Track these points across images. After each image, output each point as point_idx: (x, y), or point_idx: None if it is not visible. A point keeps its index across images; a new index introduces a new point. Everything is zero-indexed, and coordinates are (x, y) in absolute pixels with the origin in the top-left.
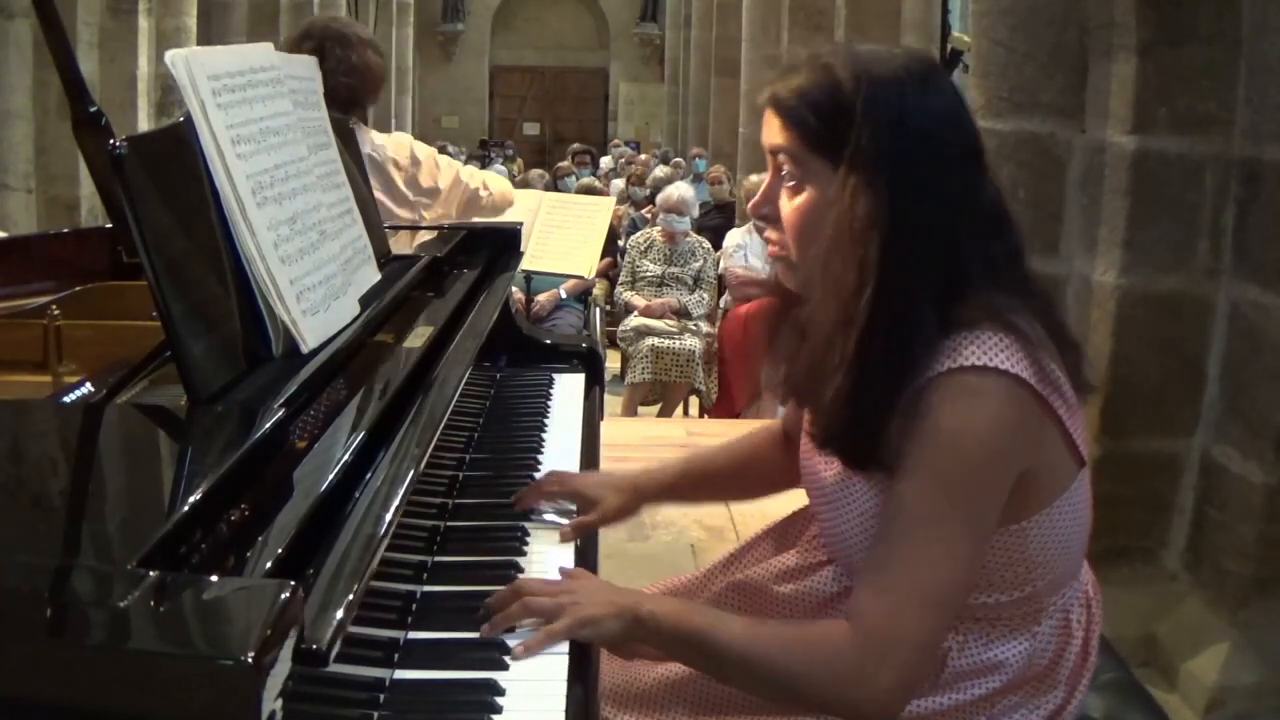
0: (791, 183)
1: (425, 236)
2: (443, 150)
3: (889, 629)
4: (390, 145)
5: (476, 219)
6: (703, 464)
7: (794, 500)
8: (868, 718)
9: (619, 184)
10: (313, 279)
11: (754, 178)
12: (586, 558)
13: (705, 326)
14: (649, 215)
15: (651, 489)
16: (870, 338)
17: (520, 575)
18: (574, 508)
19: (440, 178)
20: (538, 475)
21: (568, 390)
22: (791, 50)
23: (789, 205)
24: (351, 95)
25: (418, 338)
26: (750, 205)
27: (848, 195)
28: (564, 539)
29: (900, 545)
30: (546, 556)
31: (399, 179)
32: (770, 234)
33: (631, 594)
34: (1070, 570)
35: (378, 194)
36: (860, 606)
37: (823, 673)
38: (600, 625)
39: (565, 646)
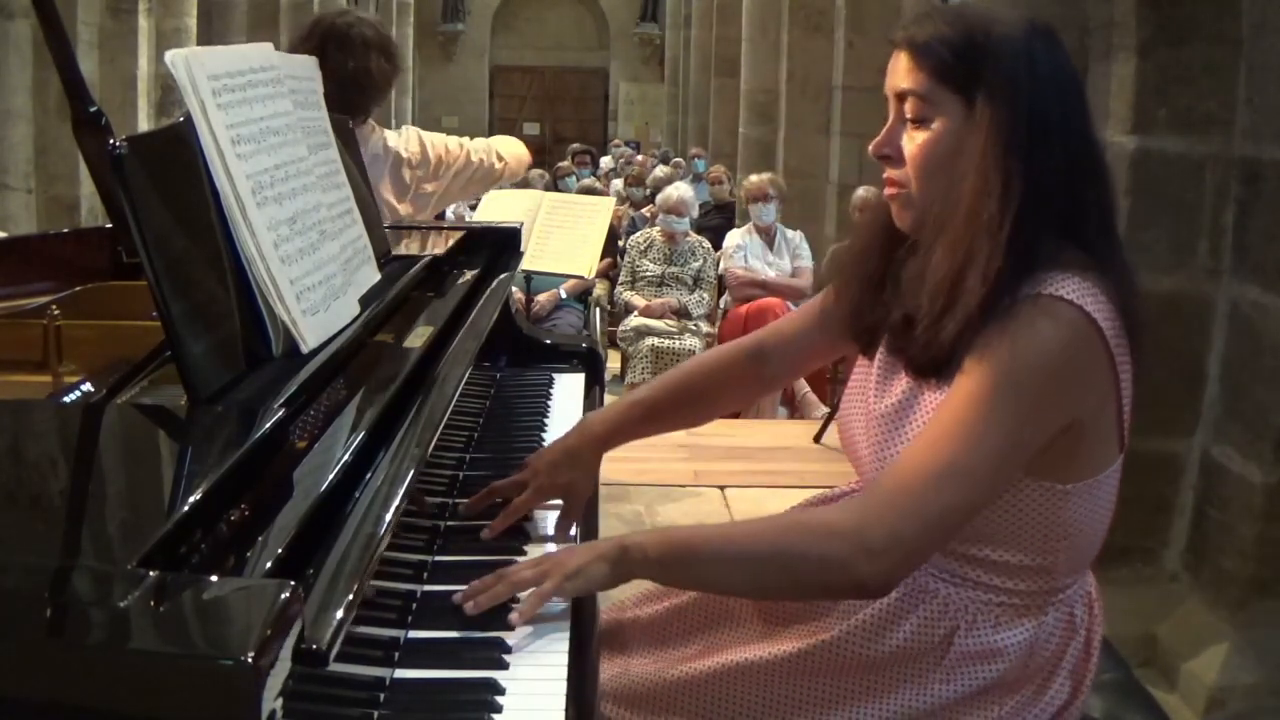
0: (917, 122)
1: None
2: None
3: (891, 523)
4: (402, 143)
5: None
6: (654, 390)
7: (796, 498)
8: (857, 595)
9: (619, 184)
10: (313, 279)
11: (754, 177)
12: None
13: (705, 326)
14: (649, 215)
15: (602, 429)
16: (1006, 259)
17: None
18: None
19: (449, 161)
20: None
21: (568, 390)
22: (792, 42)
23: (913, 143)
24: (344, 103)
25: (418, 338)
26: (871, 145)
27: (986, 126)
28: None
29: (930, 446)
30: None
31: (408, 177)
32: (890, 173)
33: (612, 538)
34: (1087, 555)
35: (387, 195)
36: (870, 498)
37: (818, 556)
38: (587, 572)
39: (565, 645)
